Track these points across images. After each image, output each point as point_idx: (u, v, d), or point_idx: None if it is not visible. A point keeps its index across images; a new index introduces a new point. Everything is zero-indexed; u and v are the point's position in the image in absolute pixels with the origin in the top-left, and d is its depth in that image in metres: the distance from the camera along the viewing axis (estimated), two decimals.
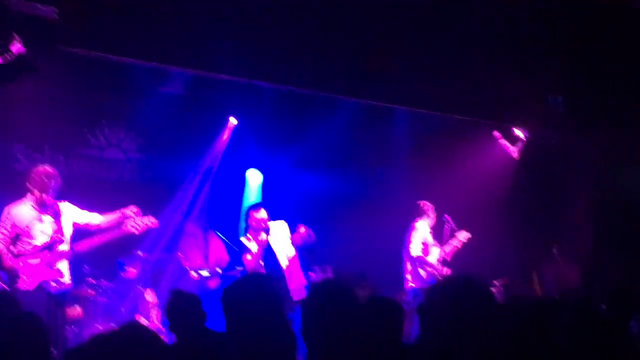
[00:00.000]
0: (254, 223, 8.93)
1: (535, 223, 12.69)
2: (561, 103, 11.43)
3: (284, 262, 8.99)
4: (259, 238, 8.82)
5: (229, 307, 3.54)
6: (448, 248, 10.15)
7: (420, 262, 10.14)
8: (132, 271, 9.74)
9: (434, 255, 10.15)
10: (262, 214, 8.96)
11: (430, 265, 10.13)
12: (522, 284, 11.29)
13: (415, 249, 10.11)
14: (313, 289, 3.84)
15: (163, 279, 10.26)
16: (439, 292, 3.21)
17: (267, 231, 8.85)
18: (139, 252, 9.82)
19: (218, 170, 11.41)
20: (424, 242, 10.24)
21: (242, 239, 9.12)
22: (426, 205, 10.31)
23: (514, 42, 10.56)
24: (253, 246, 8.91)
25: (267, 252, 8.94)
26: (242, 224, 9.48)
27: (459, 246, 10.16)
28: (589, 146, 12.54)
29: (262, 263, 8.85)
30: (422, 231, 10.27)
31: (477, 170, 12.24)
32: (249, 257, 8.87)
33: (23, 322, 4.41)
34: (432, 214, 10.28)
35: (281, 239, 9.05)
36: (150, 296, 9.65)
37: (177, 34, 8.97)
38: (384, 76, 10.48)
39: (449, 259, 10.06)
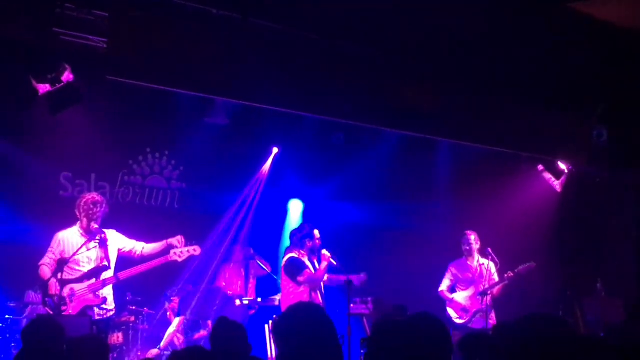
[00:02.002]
0: (317, 241, 9.10)
1: (578, 257, 12.53)
2: (605, 136, 11.32)
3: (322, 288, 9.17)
4: (325, 253, 8.96)
5: (283, 336, 3.50)
6: (487, 283, 10.07)
7: (443, 298, 10.38)
8: (175, 300, 9.85)
9: (468, 291, 10.16)
10: (318, 234, 9.18)
11: (451, 300, 10.28)
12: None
13: (440, 286, 10.44)
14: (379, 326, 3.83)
15: (203, 307, 10.32)
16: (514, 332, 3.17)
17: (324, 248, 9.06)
18: (187, 285, 9.94)
19: (260, 200, 11.47)
20: (454, 278, 10.39)
21: (296, 255, 9.08)
22: (463, 237, 10.35)
23: (559, 76, 10.51)
24: (308, 263, 9.05)
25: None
26: (288, 242, 9.52)
27: (511, 275, 10.04)
28: (633, 180, 12.39)
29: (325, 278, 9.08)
30: (451, 267, 10.44)
31: (520, 203, 12.13)
32: (309, 271, 8.95)
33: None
34: (466, 246, 10.28)
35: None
36: (176, 323, 9.73)
37: (222, 65, 9.06)
38: (427, 109, 10.49)
39: (492, 292, 9.95)
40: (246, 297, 10.51)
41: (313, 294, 8.89)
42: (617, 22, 9.50)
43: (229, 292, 10.42)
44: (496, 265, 10.10)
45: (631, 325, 10.50)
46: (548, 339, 3.08)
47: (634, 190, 12.53)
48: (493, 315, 9.92)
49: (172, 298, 9.89)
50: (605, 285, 11.52)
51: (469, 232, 10.35)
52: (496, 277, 10.13)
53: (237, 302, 10.15)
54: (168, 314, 9.66)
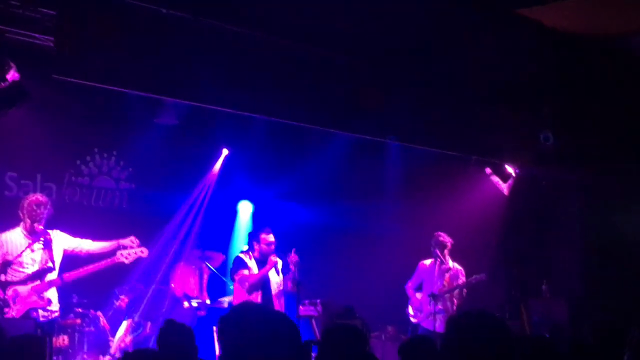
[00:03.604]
0: (264, 245, 9.01)
1: (524, 259, 12.71)
2: (552, 140, 11.51)
3: (274, 291, 9.08)
4: (272, 259, 8.91)
5: (223, 336, 3.31)
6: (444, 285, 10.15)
7: (407, 294, 10.37)
8: (124, 300, 9.74)
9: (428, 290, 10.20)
10: (272, 237, 9.10)
11: (410, 298, 10.30)
12: (511, 320, 11.27)
13: (409, 282, 10.36)
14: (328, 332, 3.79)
15: (151, 309, 10.23)
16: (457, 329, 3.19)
17: (274, 254, 8.99)
18: (138, 285, 9.85)
19: (210, 201, 11.42)
20: (420, 277, 10.33)
21: (242, 255, 9.13)
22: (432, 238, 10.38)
23: (506, 80, 10.66)
24: (252, 264, 8.98)
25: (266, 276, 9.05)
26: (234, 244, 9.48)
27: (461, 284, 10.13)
28: (579, 183, 12.62)
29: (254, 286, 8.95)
30: (420, 266, 10.38)
31: (468, 205, 12.27)
32: (246, 272, 8.90)
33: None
34: (435, 248, 10.28)
35: (273, 270, 9.12)
36: (124, 326, 9.64)
37: (171, 65, 8.99)
38: (377, 111, 10.54)
39: (436, 292, 10.03)
40: (201, 298, 10.46)
41: (250, 298, 8.84)
42: (563, 27, 9.68)
43: (178, 293, 10.34)
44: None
45: (575, 325, 10.77)
46: (481, 336, 3.11)
47: (580, 193, 12.75)
48: None
49: (120, 296, 9.78)
50: (550, 287, 11.72)
51: (437, 233, 10.31)
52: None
53: (185, 304, 10.08)
54: (101, 320, 9.47)
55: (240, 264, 9.02)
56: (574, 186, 12.75)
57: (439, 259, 10.20)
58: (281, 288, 9.17)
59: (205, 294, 10.79)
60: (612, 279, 11.79)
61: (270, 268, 8.93)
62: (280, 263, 9.16)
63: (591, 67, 10.54)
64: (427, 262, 10.36)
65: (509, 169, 12.57)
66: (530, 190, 12.77)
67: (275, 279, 9.15)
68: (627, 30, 9.77)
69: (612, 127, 11.54)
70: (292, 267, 9.04)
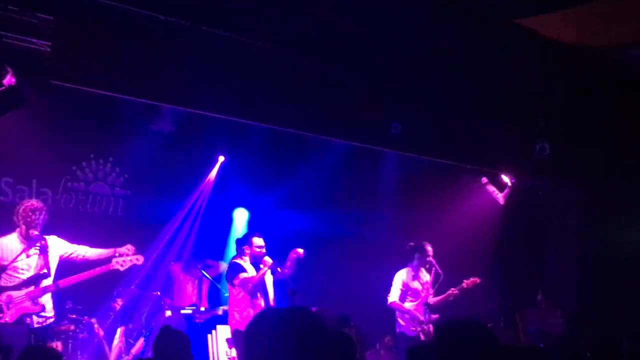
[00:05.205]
0: (256, 249, 9.12)
1: (520, 269, 12.72)
2: (548, 150, 11.52)
3: (270, 293, 9.15)
4: (267, 260, 9.01)
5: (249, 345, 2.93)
6: (435, 295, 10.08)
7: (396, 309, 10.09)
8: (119, 303, 9.73)
9: (417, 299, 10.08)
10: (262, 241, 9.23)
11: (407, 312, 10.02)
12: (506, 330, 11.26)
13: (391, 296, 10.07)
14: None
15: (142, 315, 10.20)
16: (444, 335, 3.15)
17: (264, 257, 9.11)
18: (133, 287, 9.83)
19: (205, 208, 11.41)
20: (404, 288, 10.13)
21: (238, 260, 9.15)
22: (410, 246, 10.27)
23: (503, 91, 10.68)
24: (249, 267, 9.06)
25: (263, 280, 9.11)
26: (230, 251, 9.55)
27: (456, 292, 10.06)
28: (575, 194, 12.64)
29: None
30: (400, 277, 10.15)
31: (464, 215, 12.29)
32: (245, 274, 8.95)
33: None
34: (426, 258, 10.15)
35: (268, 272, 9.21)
36: (119, 334, 9.62)
37: (168, 71, 8.99)
38: (373, 120, 10.55)
39: (433, 303, 9.97)
40: (199, 306, 10.43)
41: (254, 300, 8.91)
42: (560, 39, 9.71)
43: (167, 302, 10.26)
44: (440, 277, 10.07)
45: (570, 336, 10.77)
46: (469, 344, 3.08)
47: (576, 203, 12.77)
48: None
49: (117, 299, 9.78)
50: (545, 297, 11.71)
51: (427, 243, 10.15)
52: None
53: (168, 312, 10.02)
54: (95, 327, 9.44)
55: (238, 267, 9.06)
56: (570, 197, 12.77)
57: (421, 268, 10.15)
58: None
59: (205, 302, 10.77)
60: (607, 290, 11.80)
61: (267, 269, 9.00)
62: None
63: (588, 77, 10.56)
64: (404, 271, 10.16)
65: (505, 179, 12.59)
66: (527, 200, 12.79)
67: (270, 281, 9.23)
68: (623, 42, 9.80)
69: (608, 139, 11.57)
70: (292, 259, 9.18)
